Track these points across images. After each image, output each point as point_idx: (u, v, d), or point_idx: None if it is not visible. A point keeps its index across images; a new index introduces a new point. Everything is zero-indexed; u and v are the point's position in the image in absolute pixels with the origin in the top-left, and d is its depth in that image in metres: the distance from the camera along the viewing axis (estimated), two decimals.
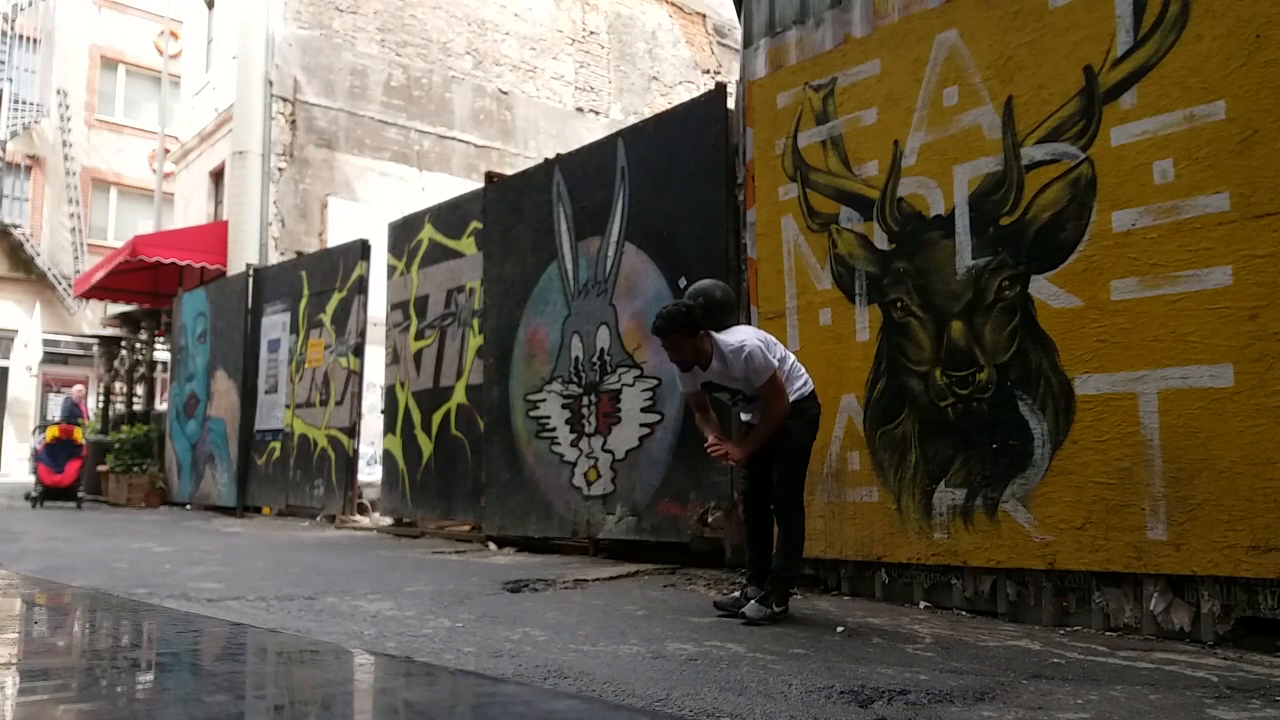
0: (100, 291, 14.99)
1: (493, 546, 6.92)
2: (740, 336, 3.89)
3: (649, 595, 4.58)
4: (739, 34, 5.94)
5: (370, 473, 10.26)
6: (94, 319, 20.62)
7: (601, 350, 6.22)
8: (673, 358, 3.94)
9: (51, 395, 22.29)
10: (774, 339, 4.09)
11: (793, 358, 4.12)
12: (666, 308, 3.92)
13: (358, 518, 9.28)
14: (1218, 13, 3.47)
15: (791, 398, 3.91)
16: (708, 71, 17.74)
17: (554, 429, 6.52)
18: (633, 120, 13.01)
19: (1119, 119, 3.69)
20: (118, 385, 15.77)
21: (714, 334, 3.91)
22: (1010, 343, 3.95)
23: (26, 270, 22.24)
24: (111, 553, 6.47)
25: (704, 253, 5.57)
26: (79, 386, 15.67)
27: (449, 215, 8.08)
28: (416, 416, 8.12)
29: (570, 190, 6.63)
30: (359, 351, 9.29)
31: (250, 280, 11.24)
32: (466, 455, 7.47)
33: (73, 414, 13.41)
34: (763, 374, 3.80)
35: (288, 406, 10.31)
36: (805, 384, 4.00)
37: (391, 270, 8.72)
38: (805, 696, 2.63)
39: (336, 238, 12.04)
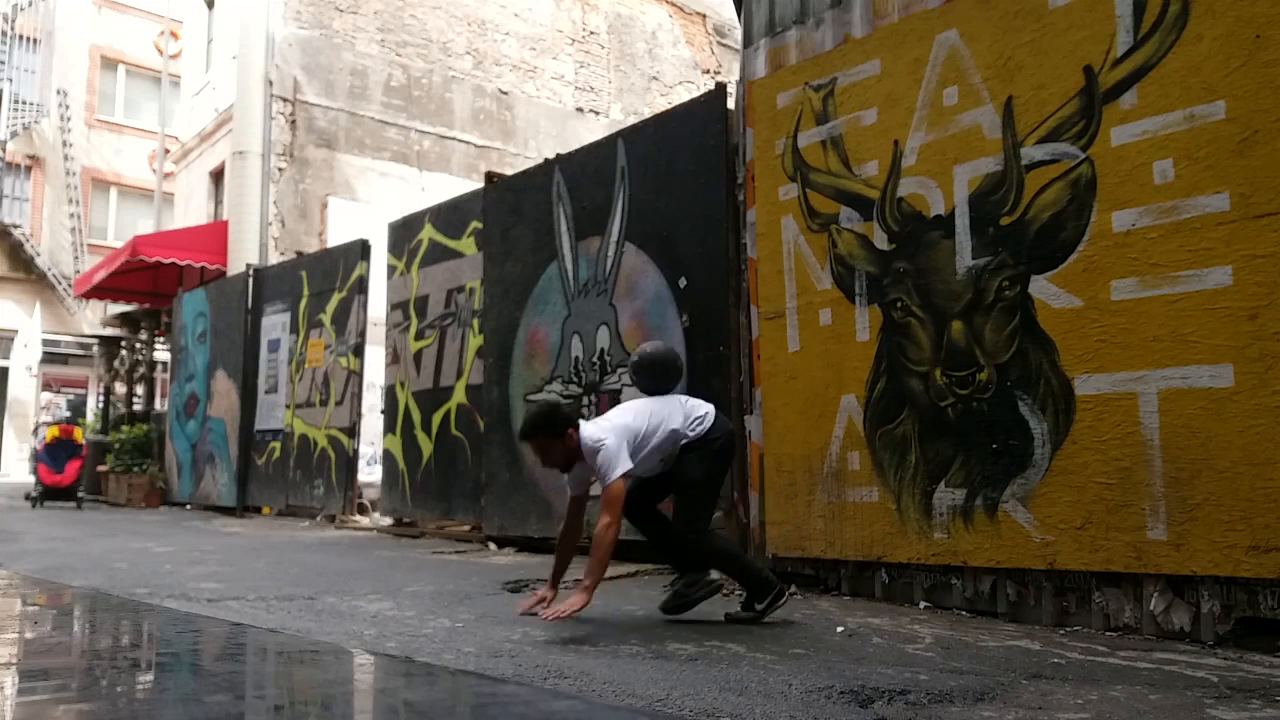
0: (100, 291, 14.99)
1: (493, 546, 6.92)
2: (602, 430, 3.70)
3: (649, 595, 4.58)
4: (739, 34, 5.93)
5: (370, 473, 10.26)
6: (94, 319, 20.62)
7: (601, 350, 6.22)
8: (544, 463, 3.84)
9: (49, 395, 22.30)
10: (656, 409, 3.86)
11: (688, 403, 3.95)
12: (532, 408, 3.87)
13: (358, 518, 9.28)
14: (1218, 13, 3.47)
15: (691, 435, 3.81)
16: (708, 71, 17.73)
17: None
18: (633, 120, 13.01)
19: (1119, 119, 3.69)
20: (118, 385, 15.77)
21: (582, 430, 3.72)
22: (1010, 343, 3.95)
23: (26, 270, 22.24)
24: (111, 553, 6.47)
25: (704, 253, 5.57)
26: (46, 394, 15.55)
27: (449, 215, 8.08)
28: (416, 416, 8.12)
29: (570, 190, 6.63)
30: (359, 351, 9.29)
31: (250, 280, 11.24)
32: (466, 455, 7.47)
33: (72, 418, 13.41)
34: (604, 476, 3.63)
35: (288, 406, 10.31)
36: (703, 421, 3.85)
37: (391, 270, 8.72)
38: (805, 696, 2.63)
39: (336, 238, 12.04)
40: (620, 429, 3.74)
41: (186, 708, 2.51)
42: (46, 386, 22.36)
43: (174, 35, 18.29)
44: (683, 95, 16.15)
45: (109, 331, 16.89)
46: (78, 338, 21.78)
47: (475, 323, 7.54)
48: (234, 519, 10.31)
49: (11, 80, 22.08)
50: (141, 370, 15.69)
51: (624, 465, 3.64)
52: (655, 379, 4.05)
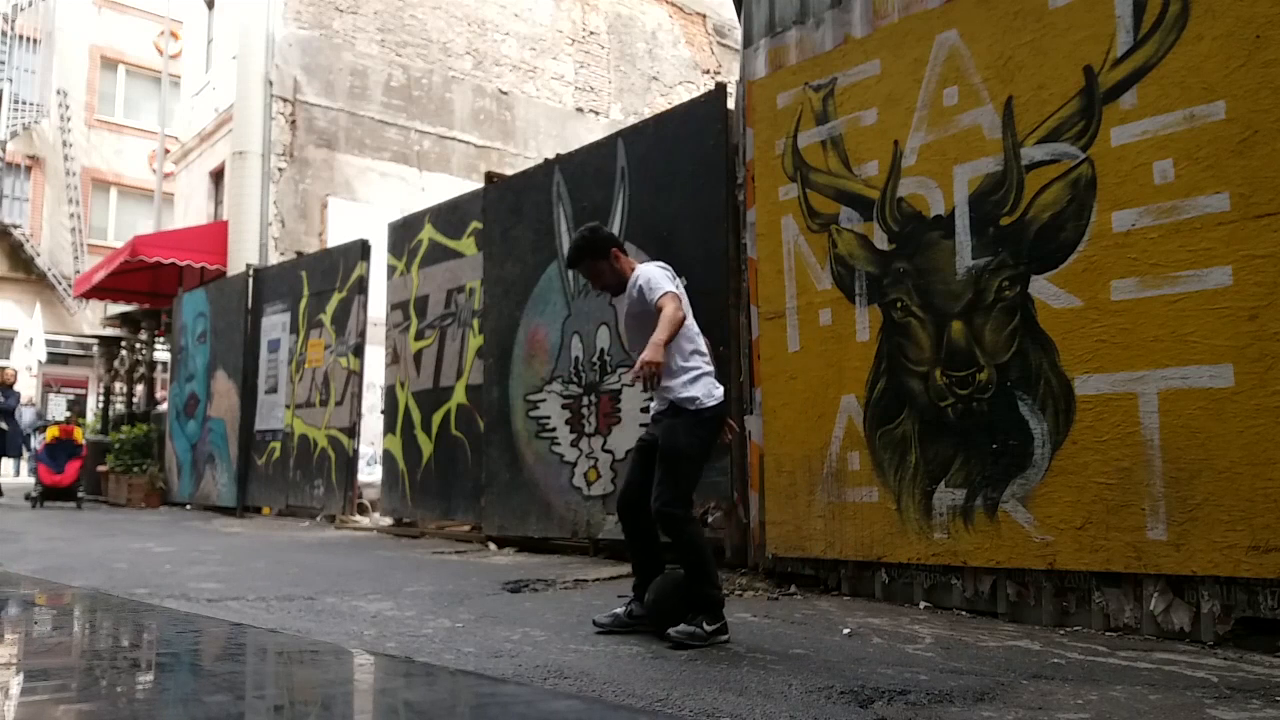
0: (100, 292, 14.99)
1: (493, 547, 6.92)
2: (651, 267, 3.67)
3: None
4: (739, 34, 5.93)
5: (370, 473, 10.26)
6: (94, 319, 20.62)
7: (601, 350, 6.22)
8: (595, 285, 3.90)
9: (52, 396, 22.30)
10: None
11: (701, 340, 3.70)
12: (575, 234, 3.89)
13: (358, 518, 9.28)
14: (1218, 13, 3.47)
15: (685, 379, 3.51)
16: (708, 71, 17.73)
17: (554, 429, 6.52)
18: (633, 120, 13.02)
19: (1119, 119, 3.69)
20: (118, 385, 15.76)
21: (636, 262, 3.78)
22: (1010, 343, 3.95)
23: (26, 270, 22.24)
24: (111, 553, 6.46)
25: (704, 253, 5.56)
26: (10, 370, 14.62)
27: (449, 215, 8.08)
28: (416, 416, 8.12)
29: (570, 190, 6.63)
30: (359, 351, 9.29)
31: (250, 280, 11.24)
32: (466, 455, 7.47)
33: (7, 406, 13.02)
34: (654, 291, 3.49)
35: (288, 406, 10.31)
36: (701, 375, 3.55)
37: (391, 270, 8.72)
38: (805, 696, 2.63)
39: (336, 238, 12.04)
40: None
41: (186, 708, 2.51)
42: (48, 386, 22.37)
43: (174, 35, 18.29)
44: (683, 95, 16.16)
45: (109, 331, 16.88)
46: (78, 338, 21.79)
47: (475, 323, 7.54)
48: (234, 519, 10.31)
49: (11, 80, 22.09)
50: (141, 370, 15.69)
51: (669, 285, 3.53)
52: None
